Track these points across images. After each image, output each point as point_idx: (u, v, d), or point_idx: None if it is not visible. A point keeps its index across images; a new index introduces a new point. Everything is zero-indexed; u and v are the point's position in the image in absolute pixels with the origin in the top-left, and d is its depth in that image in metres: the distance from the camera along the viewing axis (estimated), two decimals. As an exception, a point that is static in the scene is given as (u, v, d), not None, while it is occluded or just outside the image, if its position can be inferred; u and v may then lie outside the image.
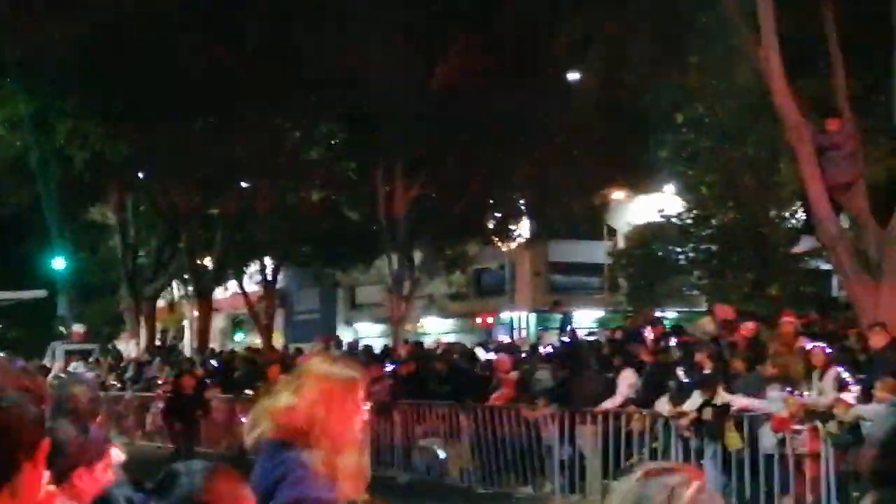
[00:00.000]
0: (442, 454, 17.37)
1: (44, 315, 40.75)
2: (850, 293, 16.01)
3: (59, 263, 37.29)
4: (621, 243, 36.20)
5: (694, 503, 2.21)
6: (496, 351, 20.12)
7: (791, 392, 12.56)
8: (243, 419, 20.19)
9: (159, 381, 25.81)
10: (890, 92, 15.03)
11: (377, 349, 24.18)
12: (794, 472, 12.31)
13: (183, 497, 2.38)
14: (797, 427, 12.36)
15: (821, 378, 12.52)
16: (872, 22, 15.60)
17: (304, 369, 4.06)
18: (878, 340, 12.89)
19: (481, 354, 20.66)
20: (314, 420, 3.84)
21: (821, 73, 16.97)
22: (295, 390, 3.93)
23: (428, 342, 28.55)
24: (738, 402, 12.94)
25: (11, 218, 37.31)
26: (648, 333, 17.05)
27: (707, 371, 13.70)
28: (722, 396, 12.98)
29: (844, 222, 16.00)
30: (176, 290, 45.52)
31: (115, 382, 28.53)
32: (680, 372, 14.18)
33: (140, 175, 34.24)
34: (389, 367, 20.16)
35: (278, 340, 37.19)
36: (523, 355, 19.71)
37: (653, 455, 13.56)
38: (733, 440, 12.94)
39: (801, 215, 25.99)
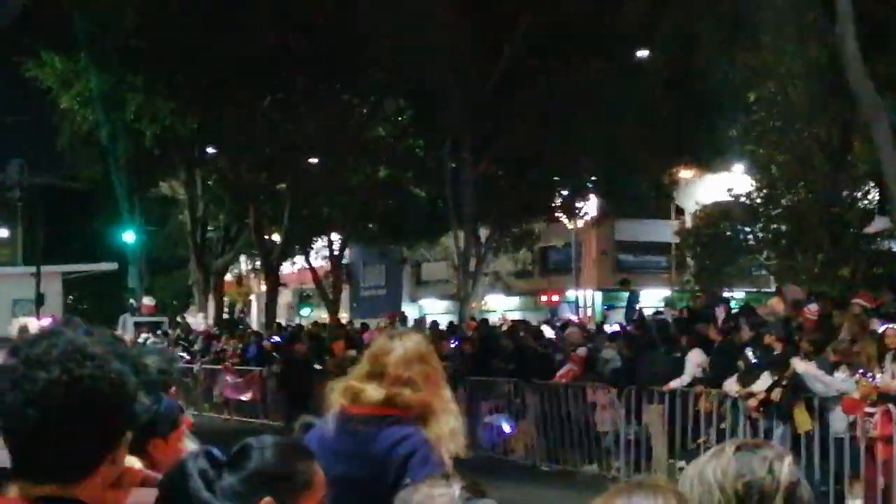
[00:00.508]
0: (507, 430, 17.38)
1: (114, 288, 41.41)
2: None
3: (129, 237, 37.80)
4: (689, 223, 35.90)
5: (790, 476, 2.22)
6: (563, 328, 20.04)
7: (863, 374, 12.37)
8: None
9: (228, 353, 26.12)
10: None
11: (443, 326, 24.20)
12: (864, 455, 12.14)
13: (255, 471, 2.39)
14: (869, 410, 12.18)
15: (894, 360, 12.33)
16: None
17: (389, 348, 4.09)
18: (951, 323, 12.64)
19: (547, 332, 20.60)
20: (420, 397, 3.96)
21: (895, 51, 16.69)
22: (389, 369, 4.00)
23: (493, 319, 28.55)
24: (811, 370, 12.75)
25: (83, 192, 37.90)
26: (717, 313, 16.89)
27: (777, 352, 13.55)
28: (796, 365, 12.80)
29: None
30: (244, 264, 46.02)
31: (183, 355, 28.88)
32: (749, 352, 14.04)
33: (208, 150, 34.58)
34: (455, 344, 20.18)
35: (344, 316, 37.42)
36: (589, 334, 19.64)
37: (720, 436, 13.44)
38: (803, 421, 12.79)
39: (874, 196, 25.58)
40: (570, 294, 39.78)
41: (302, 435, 5.43)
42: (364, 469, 3.80)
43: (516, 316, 31.74)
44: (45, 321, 11.77)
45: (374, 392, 3.97)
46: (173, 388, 5.11)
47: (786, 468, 2.23)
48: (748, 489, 2.21)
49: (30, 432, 1.95)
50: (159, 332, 31.36)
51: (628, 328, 18.77)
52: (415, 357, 4.06)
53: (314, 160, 33.02)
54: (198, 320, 34.40)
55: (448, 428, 3.98)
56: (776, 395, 13.12)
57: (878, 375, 12.31)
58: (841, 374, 12.64)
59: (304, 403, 18.19)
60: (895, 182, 14.67)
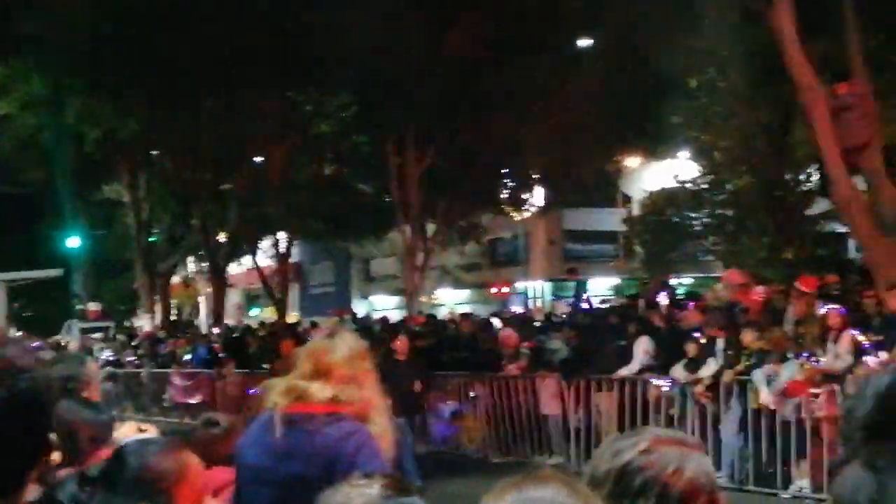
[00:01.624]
0: (448, 413, 17.38)
1: (60, 293, 40.93)
2: (866, 255, 15.87)
3: (73, 242, 37.40)
4: (636, 210, 36.08)
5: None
6: (508, 322, 20.04)
7: (808, 357, 12.47)
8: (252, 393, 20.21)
9: (177, 356, 25.92)
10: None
11: (388, 322, 24.12)
12: (810, 436, 12.24)
13: (130, 480, 2.33)
14: (814, 391, 12.27)
15: (836, 341, 12.42)
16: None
17: (332, 347, 4.08)
18: (895, 302, 12.75)
19: (496, 324, 20.60)
20: (363, 394, 3.99)
21: (834, 33, 16.76)
22: (334, 368, 4.00)
23: (443, 313, 28.54)
24: (756, 376, 12.87)
25: (26, 197, 37.43)
26: (662, 300, 16.97)
27: (720, 342, 13.69)
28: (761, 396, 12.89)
29: (860, 183, 15.83)
30: (190, 266, 45.66)
31: (131, 359, 28.63)
32: (697, 337, 14.13)
33: (152, 152, 34.25)
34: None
35: (294, 315, 37.23)
36: (538, 324, 19.65)
37: (669, 422, 13.51)
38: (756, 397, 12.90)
39: (815, 177, 25.80)
40: (520, 285, 39.86)
41: (206, 432, 5.33)
42: (312, 466, 3.77)
43: (466, 309, 31.76)
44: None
45: (320, 391, 3.94)
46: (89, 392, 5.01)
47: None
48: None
49: None
50: (107, 336, 31.11)
51: (576, 317, 18.80)
52: (357, 355, 4.07)
53: (259, 159, 32.79)
54: (144, 324, 34.12)
55: (386, 426, 4.00)
56: (728, 376, 13.21)
57: (822, 358, 12.42)
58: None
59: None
60: (834, 164, 14.76)
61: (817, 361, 12.30)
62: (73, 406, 4.08)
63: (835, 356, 12.31)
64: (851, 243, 24.02)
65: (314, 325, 25.65)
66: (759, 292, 14.90)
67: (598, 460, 2.30)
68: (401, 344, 16.19)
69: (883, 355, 11.85)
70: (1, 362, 1.97)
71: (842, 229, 22.80)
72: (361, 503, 2.06)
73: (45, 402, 2.01)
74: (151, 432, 4.47)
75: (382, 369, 4.28)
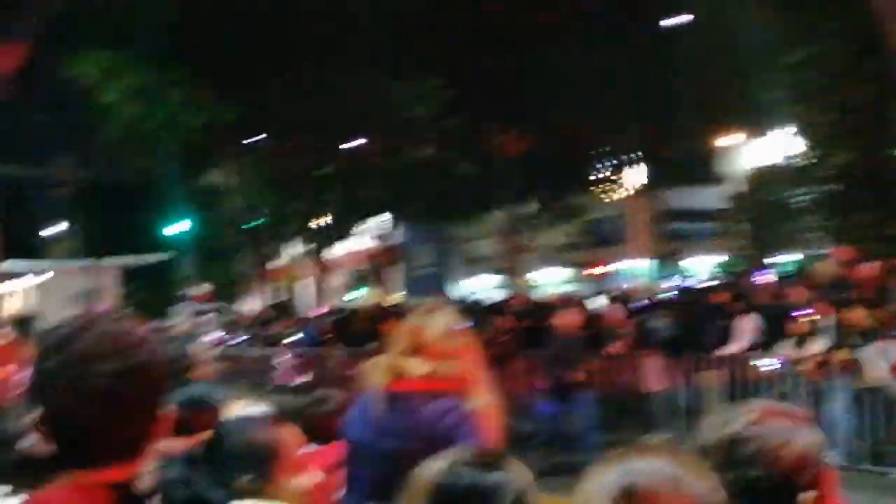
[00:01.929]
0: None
1: (168, 277, 41.77)
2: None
3: (180, 227, 38.12)
4: (739, 187, 35.59)
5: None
6: (613, 300, 19.98)
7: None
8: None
9: (283, 336, 26.33)
10: None
11: (489, 302, 24.17)
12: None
13: (227, 456, 2.44)
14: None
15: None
16: None
17: (428, 324, 4.13)
18: None
19: (600, 303, 20.55)
20: (462, 370, 4.04)
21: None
22: (430, 344, 4.07)
23: (543, 294, 28.52)
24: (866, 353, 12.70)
25: (133, 185, 38.22)
26: (768, 277, 16.80)
27: (828, 319, 13.51)
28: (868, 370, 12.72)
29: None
30: (296, 248, 46.21)
31: (241, 339, 29.14)
32: (804, 315, 13.97)
33: (255, 138, 34.76)
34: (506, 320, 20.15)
35: (398, 296, 37.48)
36: (641, 304, 19.56)
37: (779, 399, 13.40)
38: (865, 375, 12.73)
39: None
40: (621, 265, 39.63)
41: (317, 410, 5.44)
42: (412, 443, 3.83)
43: (567, 289, 31.69)
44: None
45: (418, 367, 4.03)
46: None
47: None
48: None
49: (90, 422, 2.00)
50: (214, 316, 31.67)
51: (680, 296, 18.67)
52: (454, 331, 4.13)
53: (359, 142, 33.06)
54: (251, 305, 34.65)
55: (490, 401, 4.07)
56: (841, 354, 13.04)
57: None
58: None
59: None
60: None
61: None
62: (184, 386, 4.24)
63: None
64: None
65: (416, 306, 25.83)
66: (868, 268, 14.69)
67: (707, 430, 2.34)
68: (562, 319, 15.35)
69: None
70: (119, 338, 2.05)
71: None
72: (443, 477, 2.15)
73: (160, 376, 2.08)
74: (260, 409, 4.62)
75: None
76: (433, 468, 2.13)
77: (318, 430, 5.06)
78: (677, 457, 1.99)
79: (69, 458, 2.04)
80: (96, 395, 1.98)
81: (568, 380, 14.29)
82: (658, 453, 1.99)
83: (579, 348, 15.22)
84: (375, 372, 4.13)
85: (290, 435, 2.79)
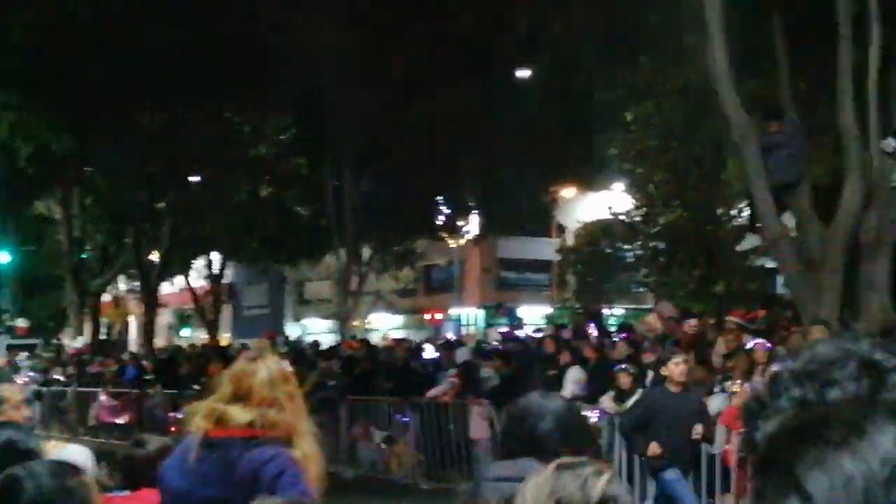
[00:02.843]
0: (379, 438, 17.38)
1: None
2: (793, 291, 16.14)
3: (2, 258, 36.84)
4: (570, 240, 36.33)
5: (603, 491, 2.25)
6: (446, 347, 20.07)
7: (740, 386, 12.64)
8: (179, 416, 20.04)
9: (105, 376, 25.62)
10: (834, 91, 15.14)
11: (324, 345, 24.05)
12: (735, 469, 12.39)
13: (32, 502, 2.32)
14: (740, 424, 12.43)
15: (763, 374, 12.61)
16: (817, 22, 15.73)
17: (253, 370, 4.05)
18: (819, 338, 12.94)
19: (429, 352, 20.63)
20: (285, 418, 3.96)
21: (766, 73, 17.10)
22: (254, 391, 3.97)
23: (376, 338, 28.50)
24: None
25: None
26: (592, 330, 17.11)
27: (650, 374, 13.82)
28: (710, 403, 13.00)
29: (789, 221, 16.12)
30: (122, 285, 45.13)
31: (58, 377, 28.24)
32: (627, 368, 14.24)
33: (86, 169, 33.88)
34: (335, 364, 20.06)
35: (225, 336, 36.96)
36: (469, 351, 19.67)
37: (597, 453, 13.57)
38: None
39: (746, 213, 26.15)
40: (454, 312, 39.94)
41: (136, 452, 5.32)
42: (232, 490, 3.76)
43: (400, 334, 31.74)
44: None
45: (240, 414, 3.93)
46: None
47: (600, 484, 2.28)
48: None
49: None
50: (32, 352, 30.67)
51: (507, 345, 18.86)
52: (279, 378, 4.05)
53: (195, 178, 32.59)
54: (74, 342, 33.65)
55: (312, 449, 3.99)
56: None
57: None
58: (716, 389, 12.87)
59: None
60: (763, 201, 15.02)
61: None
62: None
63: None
64: (780, 279, 24.37)
65: (244, 346, 25.47)
66: (691, 325, 15.10)
67: (562, 492, 2.30)
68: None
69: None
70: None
71: (770, 264, 23.15)
72: None
73: None
74: (77, 452, 4.44)
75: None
76: None
77: (135, 474, 4.91)
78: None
79: None
80: None
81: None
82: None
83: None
84: (196, 417, 4.02)
85: (90, 482, 2.65)
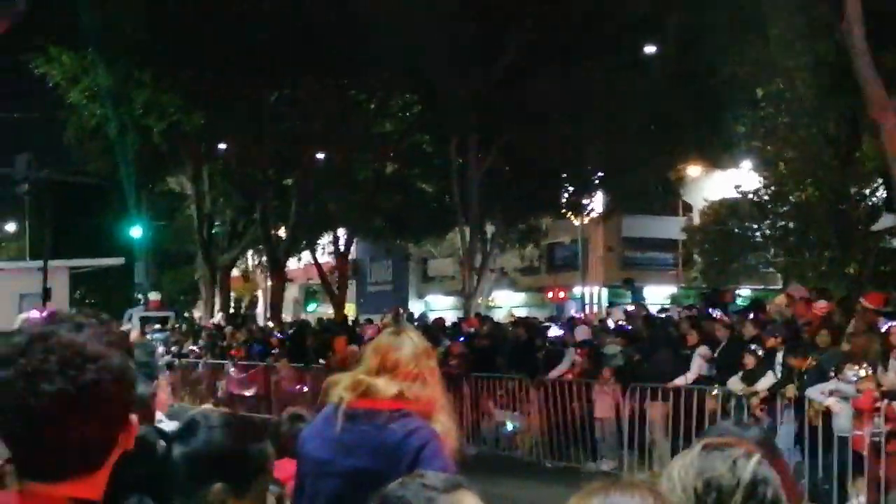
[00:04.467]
0: (510, 428, 17.38)
1: (121, 282, 41.47)
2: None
3: (136, 232, 37.85)
4: (697, 219, 35.82)
5: (753, 474, 2.23)
6: (570, 326, 19.95)
7: (869, 372, 12.31)
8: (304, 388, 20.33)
9: (234, 348, 26.16)
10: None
11: (448, 322, 24.14)
12: (868, 453, 12.09)
13: (203, 452, 2.35)
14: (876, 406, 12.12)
15: (898, 358, 12.27)
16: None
17: (398, 344, 4.10)
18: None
19: (553, 329, 20.54)
20: (429, 392, 4.01)
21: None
22: (400, 365, 4.02)
23: (499, 316, 28.52)
24: (812, 394, 12.72)
25: (91, 187, 37.94)
26: (720, 311, 16.83)
27: (779, 352, 13.55)
28: (809, 394, 12.74)
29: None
30: (250, 260, 46.03)
31: (192, 348, 28.95)
32: (754, 349, 13.99)
33: (216, 146, 34.59)
34: (461, 341, 20.13)
35: (350, 311, 37.40)
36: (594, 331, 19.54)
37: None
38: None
39: (882, 193, 25.48)
40: (577, 291, 39.75)
41: (292, 427, 5.42)
42: (375, 461, 3.79)
43: (522, 312, 31.71)
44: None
45: (386, 386, 3.97)
46: (158, 380, 5.09)
47: (750, 466, 2.25)
48: (707, 486, 2.24)
49: (38, 439, 1.92)
50: (167, 326, 31.47)
51: (634, 324, 18.65)
52: (423, 353, 4.10)
53: (321, 155, 33.01)
54: (204, 315, 34.42)
55: (450, 424, 4.05)
56: (789, 391, 13.06)
57: (882, 373, 12.27)
58: (849, 372, 12.56)
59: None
60: (901, 179, 14.59)
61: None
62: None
63: (896, 373, 12.16)
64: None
65: (369, 321, 25.76)
66: (820, 307, 14.76)
67: (712, 473, 2.26)
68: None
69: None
70: (71, 353, 1.94)
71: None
72: (411, 497, 2.06)
73: (114, 393, 1.96)
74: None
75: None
76: (397, 489, 2.08)
77: (277, 446, 4.99)
78: (658, 496, 1.96)
79: (24, 469, 1.96)
80: (43, 414, 1.90)
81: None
82: (639, 490, 1.95)
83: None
84: (339, 388, 4.07)
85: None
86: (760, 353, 13.90)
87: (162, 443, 2.38)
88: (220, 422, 2.47)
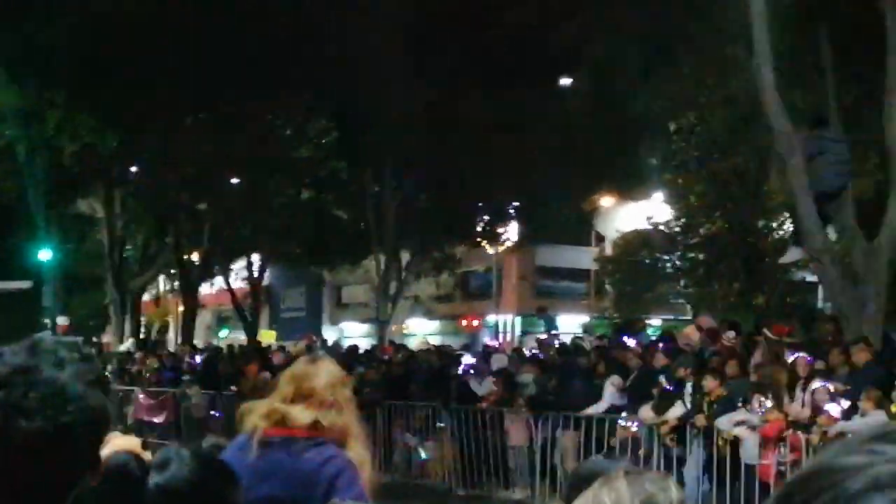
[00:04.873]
0: (423, 455, 17.36)
1: (29, 306, 40.60)
2: (835, 305, 16.02)
3: (44, 255, 37.14)
4: (609, 250, 36.23)
5: (679, 494, 2.45)
6: (484, 355, 20.04)
7: (775, 403, 12.57)
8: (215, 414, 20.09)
9: (144, 374, 25.76)
10: (880, 105, 15.00)
11: (362, 349, 24.08)
12: (775, 481, 12.31)
13: (173, 486, 2.37)
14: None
15: (804, 389, 12.53)
16: (864, 34, 15.60)
17: (314, 372, 4.11)
18: (861, 356, 12.80)
19: (466, 357, 20.59)
20: (343, 420, 4.04)
21: (812, 86, 16.99)
22: (316, 393, 4.04)
23: (413, 343, 28.51)
24: (721, 424, 12.92)
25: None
26: (634, 340, 17.04)
27: (688, 383, 13.77)
28: (719, 424, 12.95)
29: (832, 234, 16.00)
30: (162, 284, 45.46)
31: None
32: (663, 380, 14.18)
33: (129, 169, 34.16)
34: (373, 368, 20.08)
35: (269, 337, 37.08)
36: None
37: (635, 462, 13.53)
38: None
39: (788, 226, 26.00)
40: (491, 319, 39.93)
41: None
42: (291, 488, 3.82)
43: (436, 340, 31.76)
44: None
45: (302, 414, 3.98)
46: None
47: (674, 487, 2.42)
48: None
49: (7, 474, 1.88)
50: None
51: (547, 353, 18.80)
52: (339, 381, 4.12)
53: (236, 180, 32.79)
54: (113, 341, 33.86)
55: (364, 452, 4.06)
56: (699, 420, 13.25)
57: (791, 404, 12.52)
58: (755, 403, 12.79)
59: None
60: (808, 214, 14.89)
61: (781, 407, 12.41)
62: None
63: (802, 404, 12.41)
64: (821, 293, 24.20)
65: (281, 348, 25.58)
66: (730, 338, 15.02)
67: (647, 495, 2.38)
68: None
69: (846, 404, 11.96)
70: (52, 392, 1.90)
71: (812, 278, 22.99)
72: None
73: (93, 428, 1.94)
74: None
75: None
76: None
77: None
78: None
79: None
80: (16, 450, 1.86)
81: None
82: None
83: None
84: (253, 416, 4.06)
85: None
86: (669, 385, 14.10)
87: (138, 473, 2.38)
88: (190, 456, 2.49)
